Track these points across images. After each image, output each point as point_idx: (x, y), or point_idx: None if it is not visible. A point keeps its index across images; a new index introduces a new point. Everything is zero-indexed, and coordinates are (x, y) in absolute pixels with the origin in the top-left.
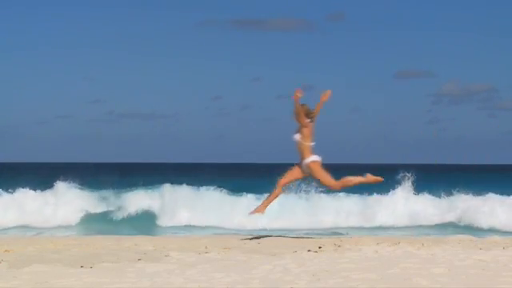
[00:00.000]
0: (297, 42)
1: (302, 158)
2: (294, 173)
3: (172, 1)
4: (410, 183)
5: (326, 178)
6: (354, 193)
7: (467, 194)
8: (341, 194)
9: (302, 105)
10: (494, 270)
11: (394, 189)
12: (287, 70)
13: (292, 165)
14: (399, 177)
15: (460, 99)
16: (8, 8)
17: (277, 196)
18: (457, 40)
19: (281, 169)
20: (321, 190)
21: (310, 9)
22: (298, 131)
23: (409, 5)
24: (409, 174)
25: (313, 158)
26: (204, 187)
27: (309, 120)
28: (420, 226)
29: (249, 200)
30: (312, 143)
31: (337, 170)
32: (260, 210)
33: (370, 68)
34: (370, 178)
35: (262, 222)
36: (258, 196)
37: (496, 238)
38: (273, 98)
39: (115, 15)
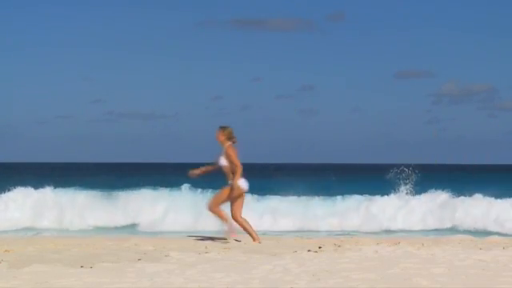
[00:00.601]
0: (297, 42)
1: (228, 179)
2: (238, 203)
3: (172, 1)
4: (410, 184)
5: (217, 201)
6: (352, 194)
7: (467, 195)
8: (338, 197)
9: (227, 127)
10: (493, 270)
11: (393, 190)
12: (287, 70)
13: (293, 165)
14: (398, 174)
15: (460, 99)
16: (8, 8)
17: (246, 225)
18: (457, 40)
19: (281, 169)
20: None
21: (310, 9)
22: (223, 154)
23: (409, 5)
24: (408, 171)
25: (237, 182)
26: (204, 189)
27: (230, 143)
28: (419, 230)
29: (248, 200)
30: (238, 165)
31: (337, 169)
32: (256, 239)
33: (370, 68)
34: (226, 223)
35: (262, 223)
36: (258, 197)
37: (496, 238)
38: (273, 98)
39: (115, 15)
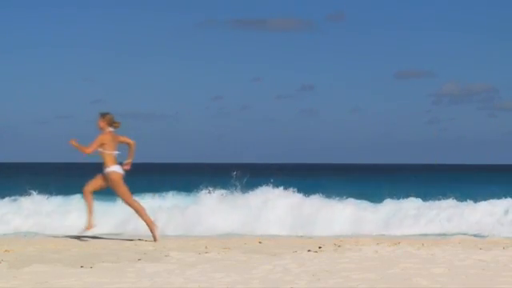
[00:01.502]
0: (297, 41)
1: (105, 167)
2: (98, 181)
3: (172, 1)
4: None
5: (125, 193)
6: (348, 197)
7: (468, 197)
8: (334, 200)
9: (106, 114)
10: (493, 270)
11: (392, 192)
12: (287, 70)
13: (293, 165)
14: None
15: (460, 99)
16: (8, 8)
17: (91, 205)
18: (457, 40)
19: (282, 169)
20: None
21: (310, 9)
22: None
23: (409, 5)
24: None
25: (114, 169)
26: (202, 192)
27: (111, 129)
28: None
29: (248, 200)
30: (115, 152)
31: (338, 169)
32: (90, 226)
33: (370, 68)
34: (151, 224)
35: (261, 225)
36: (257, 197)
37: (496, 238)
38: (273, 98)
39: (115, 15)
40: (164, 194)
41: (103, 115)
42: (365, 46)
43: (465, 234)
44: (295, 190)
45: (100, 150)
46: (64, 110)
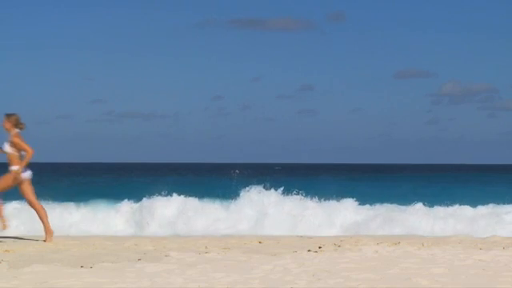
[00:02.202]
0: (297, 41)
1: (10, 166)
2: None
3: (171, 1)
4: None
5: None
6: (348, 197)
7: (466, 200)
8: (333, 200)
9: (12, 115)
10: (493, 270)
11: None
12: (287, 70)
13: (293, 165)
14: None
15: (460, 99)
16: (8, 8)
17: (43, 210)
18: (457, 40)
19: (282, 169)
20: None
21: (310, 9)
22: (8, 141)
23: (409, 5)
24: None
25: (15, 168)
26: (202, 192)
27: (17, 130)
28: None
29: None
30: (21, 153)
31: (337, 169)
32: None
33: (370, 68)
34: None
35: (261, 225)
36: (257, 197)
37: (496, 238)
38: (273, 98)
39: (115, 15)
40: (164, 194)
41: (9, 116)
42: (365, 46)
43: (465, 235)
44: (295, 189)
45: (10, 150)
46: (64, 109)
